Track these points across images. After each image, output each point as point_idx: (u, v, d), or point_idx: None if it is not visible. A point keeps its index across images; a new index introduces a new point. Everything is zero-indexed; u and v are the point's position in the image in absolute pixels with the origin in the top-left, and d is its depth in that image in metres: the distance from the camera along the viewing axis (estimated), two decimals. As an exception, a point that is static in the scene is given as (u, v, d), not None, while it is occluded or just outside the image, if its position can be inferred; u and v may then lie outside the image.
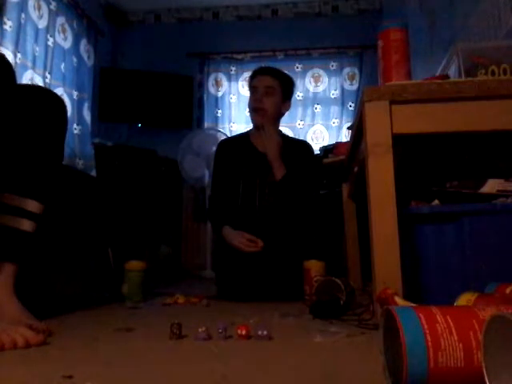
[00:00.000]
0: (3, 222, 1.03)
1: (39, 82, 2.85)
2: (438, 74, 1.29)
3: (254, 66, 1.98)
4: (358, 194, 1.89)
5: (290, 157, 1.77)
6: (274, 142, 1.75)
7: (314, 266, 1.47)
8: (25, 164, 1.07)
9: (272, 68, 1.90)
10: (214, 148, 2.03)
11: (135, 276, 1.59)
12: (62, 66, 3.17)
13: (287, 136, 2.00)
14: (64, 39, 3.22)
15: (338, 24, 3.95)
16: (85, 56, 3.47)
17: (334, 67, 3.91)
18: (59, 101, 1.14)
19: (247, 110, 3.03)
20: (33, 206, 1.06)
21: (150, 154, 3.38)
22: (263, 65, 2.19)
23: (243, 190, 1.78)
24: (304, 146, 1.92)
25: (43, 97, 1.10)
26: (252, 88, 1.84)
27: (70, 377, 0.63)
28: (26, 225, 1.05)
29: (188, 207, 3.67)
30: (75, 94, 3.29)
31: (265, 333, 0.87)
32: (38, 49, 2.86)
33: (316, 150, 2.40)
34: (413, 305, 0.83)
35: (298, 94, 3.86)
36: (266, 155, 1.76)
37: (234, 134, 3.56)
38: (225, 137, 3.12)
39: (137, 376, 0.65)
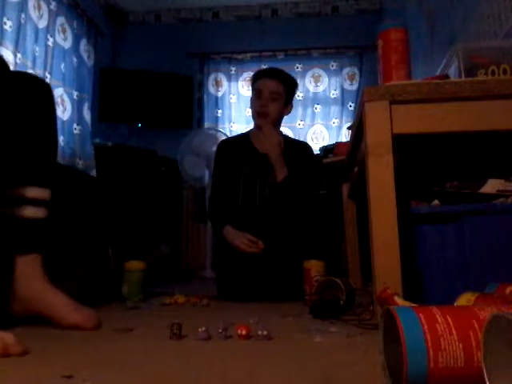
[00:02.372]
0: (19, 214, 1.04)
1: (39, 82, 2.84)
2: (437, 74, 1.29)
3: (254, 66, 1.98)
4: (358, 193, 1.89)
5: (291, 158, 1.77)
6: (275, 143, 1.75)
7: (314, 266, 1.47)
8: (22, 153, 1.07)
9: (278, 71, 1.87)
10: (214, 148, 2.03)
11: (135, 276, 1.59)
12: (62, 65, 3.17)
13: (288, 137, 1.99)
14: (64, 39, 3.22)
15: (338, 24, 3.95)
16: (85, 56, 3.47)
17: (334, 67, 3.91)
18: (43, 84, 1.13)
19: (247, 110, 3.03)
20: (43, 193, 1.08)
21: (149, 154, 3.38)
22: (263, 65, 2.19)
23: (243, 190, 1.78)
24: (305, 147, 1.91)
25: (26, 82, 1.09)
26: (256, 90, 1.82)
27: (70, 377, 0.63)
28: (41, 212, 1.07)
29: (188, 207, 3.67)
30: (75, 93, 3.29)
31: (265, 333, 0.87)
32: (37, 49, 2.86)
33: (316, 150, 2.40)
34: (413, 305, 0.83)
35: (298, 94, 3.85)
36: (268, 156, 1.75)
37: (234, 134, 3.56)
38: (225, 137, 3.12)
39: (137, 376, 0.65)
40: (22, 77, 1.12)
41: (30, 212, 1.05)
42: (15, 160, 1.06)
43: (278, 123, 1.85)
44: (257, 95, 1.82)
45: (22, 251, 1.04)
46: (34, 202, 1.06)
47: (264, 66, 3.34)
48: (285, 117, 1.91)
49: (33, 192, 1.06)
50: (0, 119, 1.04)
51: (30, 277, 1.03)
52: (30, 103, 1.08)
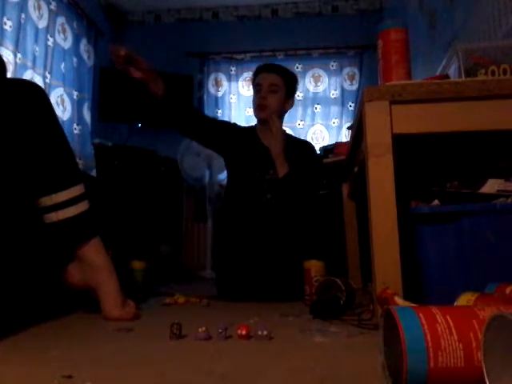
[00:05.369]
0: (65, 216, 1.11)
1: (39, 81, 2.85)
2: (437, 74, 1.29)
3: (254, 66, 1.98)
4: (358, 193, 1.89)
5: (293, 156, 1.77)
6: (280, 139, 1.75)
7: (314, 266, 1.47)
8: (38, 164, 1.09)
9: (276, 65, 1.88)
10: (214, 148, 2.02)
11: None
12: (62, 65, 3.17)
13: (290, 135, 1.99)
14: (64, 39, 3.22)
15: (338, 24, 3.95)
16: (85, 56, 3.47)
17: (334, 67, 3.92)
18: (35, 88, 1.13)
19: (247, 110, 3.01)
20: (74, 192, 1.13)
21: (149, 154, 3.38)
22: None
23: (243, 181, 1.78)
24: (306, 145, 1.91)
25: (18, 89, 1.09)
26: (256, 85, 1.83)
27: (70, 377, 0.63)
28: (81, 206, 1.14)
29: (188, 207, 3.67)
30: (75, 94, 3.29)
31: (265, 333, 0.87)
32: (37, 49, 2.86)
33: (316, 150, 2.40)
34: (413, 305, 0.83)
35: (298, 94, 3.85)
36: (270, 151, 1.75)
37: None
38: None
39: (137, 376, 0.65)
40: (14, 84, 1.12)
41: (70, 212, 1.12)
42: (37, 172, 1.09)
43: (279, 117, 1.85)
44: (257, 90, 1.82)
45: (79, 242, 1.13)
46: (69, 203, 1.12)
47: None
48: (285, 116, 1.91)
49: (66, 195, 1.11)
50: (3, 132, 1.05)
51: (97, 266, 1.14)
52: (25, 111, 1.08)
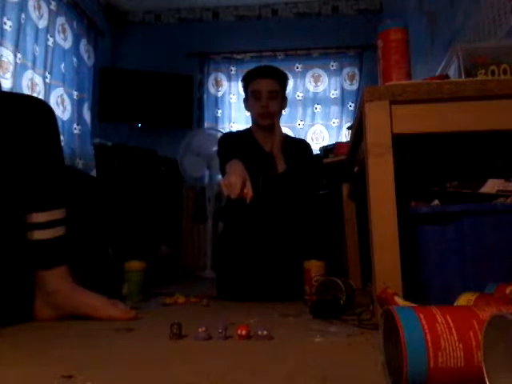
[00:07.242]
0: (41, 237, 1.11)
1: (39, 82, 2.85)
2: (437, 74, 1.29)
3: (254, 66, 1.96)
4: (358, 193, 1.89)
5: (290, 155, 1.78)
6: (280, 138, 1.76)
7: (314, 266, 1.47)
8: (32, 181, 1.10)
9: (271, 69, 1.87)
10: (214, 148, 2.03)
11: (135, 276, 1.59)
12: (62, 65, 3.17)
13: (286, 135, 2.00)
14: (64, 39, 3.22)
15: (338, 24, 3.95)
16: (85, 56, 3.47)
17: (334, 67, 3.92)
18: (45, 106, 1.14)
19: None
20: (57, 215, 1.13)
21: (149, 154, 3.38)
22: (263, 65, 2.18)
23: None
24: (302, 144, 1.93)
25: (28, 105, 1.10)
26: (254, 92, 1.82)
27: (70, 377, 0.63)
28: (59, 231, 1.13)
29: (188, 207, 3.67)
30: (75, 94, 3.29)
31: (265, 333, 0.87)
32: (37, 49, 2.87)
33: (316, 150, 2.40)
34: (413, 305, 0.83)
35: (298, 94, 3.86)
36: (272, 151, 1.76)
37: (234, 134, 3.56)
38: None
39: (137, 376, 0.65)
40: (24, 100, 1.12)
41: (47, 234, 1.11)
42: (26, 188, 1.09)
43: (279, 119, 1.87)
44: (255, 96, 1.81)
45: (49, 266, 1.12)
46: (50, 225, 1.12)
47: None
48: (285, 117, 1.93)
49: (47, 216, 1.11)
50: (4, 145, 1.06)
51: (62, 290, 1.11)
52: (33, 128, 1.09)
